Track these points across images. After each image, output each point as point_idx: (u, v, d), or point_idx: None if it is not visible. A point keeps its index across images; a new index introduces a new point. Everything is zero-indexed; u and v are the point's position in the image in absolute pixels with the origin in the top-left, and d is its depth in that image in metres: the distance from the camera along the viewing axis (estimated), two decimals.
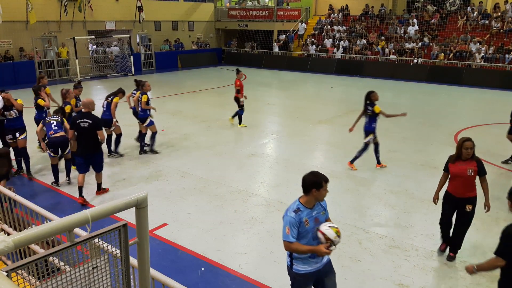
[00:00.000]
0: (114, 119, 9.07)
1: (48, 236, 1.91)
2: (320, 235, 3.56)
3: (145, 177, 8.25)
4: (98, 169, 7.22)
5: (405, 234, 6.14)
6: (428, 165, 9.03)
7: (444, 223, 5.48)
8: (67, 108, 8.42)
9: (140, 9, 24.19)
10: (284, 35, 27.30)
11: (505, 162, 9.21)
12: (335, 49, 24.63)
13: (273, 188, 7.80)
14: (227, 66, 27.19)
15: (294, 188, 7.71)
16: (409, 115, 14.07)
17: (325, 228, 3.57)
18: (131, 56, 23.34)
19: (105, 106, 9.15)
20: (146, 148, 9.68)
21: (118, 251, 2.38)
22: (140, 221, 2.51)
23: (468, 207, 5.15)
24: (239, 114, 12.04)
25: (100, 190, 7.48)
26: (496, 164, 9.07)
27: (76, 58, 20.64)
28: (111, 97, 9.14)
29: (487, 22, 22.28)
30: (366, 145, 8.61)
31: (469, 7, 23.49)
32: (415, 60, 21.79)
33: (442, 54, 21.29)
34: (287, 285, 3.94)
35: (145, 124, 9.31)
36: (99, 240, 2.35)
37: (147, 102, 9.17)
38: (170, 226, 6.30)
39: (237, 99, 11.92)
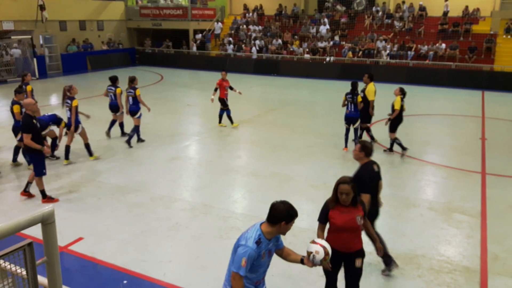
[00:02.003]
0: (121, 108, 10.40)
1: None
2: (319, 247, 3.38)
3: (55, 189, 7.62)
4: (35, 172, 6.87)
5: None
6: (344, 159, 9.47)
7: None
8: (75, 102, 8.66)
9: (42, 8, 22.41)
10: (200, 35, 27.07)
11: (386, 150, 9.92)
12: (252, 48, 24.96)
13: (197, 191, 7.65)
14: (141, 67, 26.28)
15: (218, 190, 7.64)
16: (324, 112, 14.75)
17: (323, 241, 3.45)
18: (34, 59, 21.56)
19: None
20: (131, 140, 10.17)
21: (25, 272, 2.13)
22: (47, 238, 2.29)
23: (358, 262, 4.13)
24: (227, 114, 11.86)
25: (45, 198, 7.00)
26: (408, 155, 9.78)
27: None
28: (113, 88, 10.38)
29: (390, 21, 24.06)
30: (356, 130, 9.80)
31: (374, 7, 25.19)
32: (328, 59, 22.83)
33: (350, 52, 22.56)
34: None
35: (136, 117, 10.04)
36: (4, 261, 2.09)
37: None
38: (87, 240, 5.89)
39: (222, 100, 11.77)
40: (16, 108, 8.32)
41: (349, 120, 9.77)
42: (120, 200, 7.17)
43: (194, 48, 26.55)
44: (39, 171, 6.86)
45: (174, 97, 16.86)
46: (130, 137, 10.16)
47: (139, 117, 10.17)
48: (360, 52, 22.45)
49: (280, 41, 24.91)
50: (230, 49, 25.49)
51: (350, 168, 9.05)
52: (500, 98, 17.51)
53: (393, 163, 9.24)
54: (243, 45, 25.28)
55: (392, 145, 9.74)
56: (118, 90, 10.45)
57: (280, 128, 12.08)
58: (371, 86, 9.93)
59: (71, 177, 8.15)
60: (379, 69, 21.53)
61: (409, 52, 21.60)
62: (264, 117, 13.26)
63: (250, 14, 28.35)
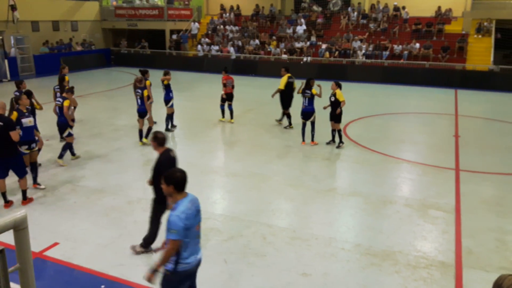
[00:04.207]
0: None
1: None
2: None
3: (29, 193, 7.40)
4: (19, 173, 6.80)
5: (304, 224, 6.41)
6: (321, 157, 9.55)
7: None
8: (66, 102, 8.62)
9: (13, 8, 21.79)
10: (176, 35, 26.84)
11: (329, 143, 10.32)
12: (231, 48, 24.90)
13: None
14: (117, 68, 25.88)
15: (197, 191, 7.54)
16: (300, 111, 14.81)
17: None
18: (6, 60, 20.95)
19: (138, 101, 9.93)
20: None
21: None
22: (20, 244, 2.22)
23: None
24: (230, 110, 12.40)
25: (26, 199, 6.94)
26: (381, 151, 9.94)
27: None
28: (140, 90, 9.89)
29: (365, 22, 24.40)
30: (313, 124, 10.11)
31: (349, 8, 25.49)
32: (305, 59, 22.98)
33: (327, 52, 22.77)
34: None
35: (146, 117, 10.08)
36: None
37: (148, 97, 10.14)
38: (63, 245, 5.76)
39: (229, 95, 12.28)
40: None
41: (304, 115, 10.15)
42: (96, 204, 7.04)
43: (171, 48, 26.35)
44: (23, 171, 6.91)
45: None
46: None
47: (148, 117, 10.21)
48: (337, 52, 22.68)
49: (257, 41, 24.93)
50: (207, 49, 25.35)
51: (328, 166, 9.17)
52: (472, 96, 17.99)
53: (369, 161, 9.37)
54: (218, 46, 25.21)
55: (340, 136, 10.08)
56: (147, 82, 10.51)
57: (258, 128, 12.08)
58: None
59: (46, 180, 7.95)
60: (355, 69, 21.81)
61: (384, 52, 21.95)
62: (243, 117, 13.25)
63: (227, 14, 28.28)
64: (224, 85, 12.26)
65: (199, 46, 25.46)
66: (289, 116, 11.93)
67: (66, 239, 5.89)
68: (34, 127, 7.85)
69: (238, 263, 5.36)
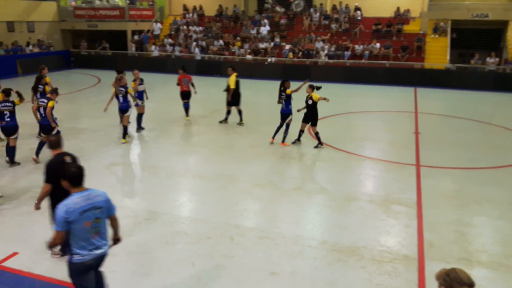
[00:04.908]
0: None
1: None
2: None
3: None
4: None
5: (272, 223, 6.44)
6: (287, 156, 9.63)
7: None
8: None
9: None
10: (138, 36, 26.35)
11: (294, 142, 10.47)
12: (196, 49, 24.68)
13: (140, 197, 7.43)
14: (77, 70, 25.11)
15: (163, 194, 7.47)
16: (266, 112, 14.90)
17: None
18: None
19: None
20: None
21: None
22: None
23: None
24: (185, 107, 12.71)
25: None
26: (345, 150, 10.13)
27: None
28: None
29: (327, 22, 24.80)
30: (288, 125, 10.20)
31: (312, 9, 25.84)
32: (269, 60, 23.10)
33: (291, 53, 22.99)
34: None
35: (126, 114, 10.30)
36: None
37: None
38: (22, 254, 5.52)
39: (186, 93, 12.51)
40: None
41: (281, 116, 10.29)
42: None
43: (133, 49, 25.84)
44: None
45: (112, 101, 16.29)
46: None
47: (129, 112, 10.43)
48: (300, 53, 22.94)
49: (221, 42, 24.85)
50: (170, 49, 25.02)
51: (294, 165, 9.26)
52: (431, 93, 18.67)
53: (334, 159, 9.53)
54: (181, 47, 24.99)
55: (319, 138, 10.17)
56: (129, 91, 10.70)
57: (224, 129, 12.05)
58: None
59: (4, 188, 7.59)
60: (318, 69, 22.12)
61: (346, 52, 22.40)
62: (209, 118, 13.17)
63: (190, 14, 28.03)
64: (179, 83, 12.55)
65: (153, 47, 25.20)
66: (240, 113, 12.29)
67: (25, 249, 5.65)
68: None
69: (206, 265, 5.32)
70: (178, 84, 12.63)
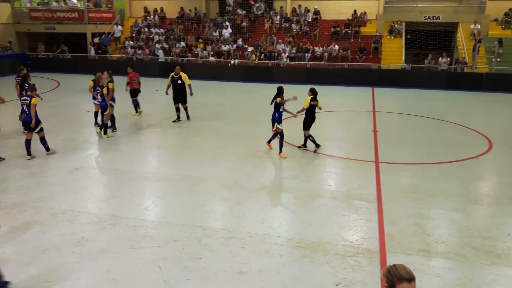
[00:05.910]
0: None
1: None
2: None
3: None
4: None
5: (239, 223, 6.51)
6: (253, 157, 9.74)
7: None
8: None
9: None
10: (98, 38, 25.73)
11: (300, 147, 10.44)
12: (159, 51, 24.38)
13: (103, 202, 7.30)
14: (35, 73, 24.17)
15: (127, 199, 7.37)
16: (232, 113, 14.98)
17: None
18: None
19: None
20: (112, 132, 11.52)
21: None
22: None
23: None
24: (134, 104, 13.63)
25: None
26: (307, 149, 10.34)
27: None
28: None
29: (287, 25, 25.16)
30: (280, 134, 9.86)
31: (272, 11, 26.13)
32: (232, 62, 23.18)
33: (253, 55, 23.18)
34: None
35: (106, 113, 11.12)
36: None
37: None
38: None
39: (135, 91, 13.53)
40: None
41: (272, 121, 9.97)
42: (16, 219, 6.57)
43: (92, 52, 25.22)
44: None
45: (72, 104, 15.89)
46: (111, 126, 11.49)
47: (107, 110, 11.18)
48: (262, 55, 23.15)
49: (183, 44, 24.68)
50: (131, 52, 24.58)
51: (259, 165, 9.36)
52: (387, 93, 19.33)
53: (297, 158, 9.72)
54: (141, 50, 24.64)
55: (305, 141, 10.27)
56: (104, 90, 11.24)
57: (189, 131, 12.01)
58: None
59: None
60: (280, 70, 22.41)
61: (306, 54, 22.82)
62: (172, 120, 13.07)
63: (151, 17, 27.67)
64: (129, 82, 13.39)
65: (129, 49, 24.77)
66: (186, 109, 13.17)
67: None
68: None
69: (173, 268, 5.31)
70: (128, 84, 13.37)
